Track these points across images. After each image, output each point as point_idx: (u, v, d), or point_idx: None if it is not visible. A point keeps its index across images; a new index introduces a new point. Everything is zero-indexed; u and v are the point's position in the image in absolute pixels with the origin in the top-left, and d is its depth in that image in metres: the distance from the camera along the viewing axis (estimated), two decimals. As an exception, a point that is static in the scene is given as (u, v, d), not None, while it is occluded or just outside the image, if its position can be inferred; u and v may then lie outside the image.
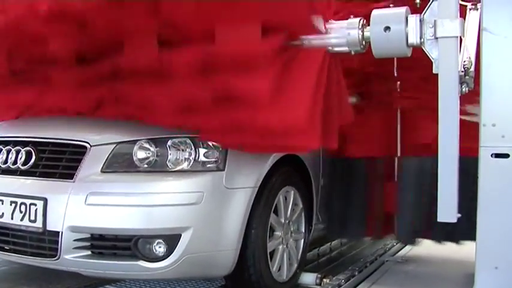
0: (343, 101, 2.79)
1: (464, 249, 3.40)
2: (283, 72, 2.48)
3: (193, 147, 2.69)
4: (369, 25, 2.53)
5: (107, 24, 2.65)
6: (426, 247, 3.86)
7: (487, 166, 2.29)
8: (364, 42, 2.55)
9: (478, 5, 2.75)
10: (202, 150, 2.70)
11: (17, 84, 3.15)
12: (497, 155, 2.27)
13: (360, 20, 2.57)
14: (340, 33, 2.56)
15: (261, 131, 2.51)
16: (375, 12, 2.53)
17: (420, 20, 2.41)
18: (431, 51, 2.39)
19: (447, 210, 2.34)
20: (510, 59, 2.25)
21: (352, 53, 2.61)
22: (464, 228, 2.74)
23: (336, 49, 2.59)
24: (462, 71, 2.44)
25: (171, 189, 2.60)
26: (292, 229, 3.20)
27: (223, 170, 2.69)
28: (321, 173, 3.53)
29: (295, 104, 2.45)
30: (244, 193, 2.75)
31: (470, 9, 2.89)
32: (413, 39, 2.42)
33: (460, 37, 2.42)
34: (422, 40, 2.41)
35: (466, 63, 2.50)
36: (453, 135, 2.33)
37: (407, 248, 4.26)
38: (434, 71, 2.37)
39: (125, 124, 2.87)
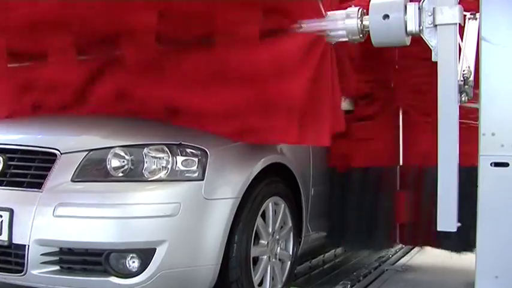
0: (337, 102, 2.80)
1: (465, 258, 3.35)
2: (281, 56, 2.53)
3: (170, 155, 2.53)
4: (368, 14, 2.53)
5: (107, 21, 2.70)
6: (426, 255, 3.86)
7: (486, 175, 2.29)
8: (363, 31, 2.56)
9: (477, 15, 2.73)
10: (180, 159, 2.54)
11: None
12: (497, 164, 2.28)
13: (359, 9, 2.57)
14: (340, 23, 2.57)
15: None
16: (374, 1, 2.53)
17: (419, 8, 2.41)
18: (430, 39, 2.39)
19: (447, 219, 2.33)
20: (509, 68, 2.25)
21: (355, 42, 2.63)
22: None
23: (336, 39, 2.60)
24: (461, 80, 2.43)
25: (145, 200, 2.43)
26: (279, 242, 3.01)
27: (203, 179, 2.52)
28: (311, 182, 3.36)
29: (319, 129, 2.56)
30: (225, 204, 2.57)
31: (469, 19, 2.91)
32: (412, 27, 2.42)
33: (459, 46, 2.44)
34: (421, 28, 2.41)
35: (465, 72, 2.50)
36: (453, 143, 2.32)
37: (408, 256, 4.22)
38: (433, 59, 2.36)
39: (98, 130, 2.73)
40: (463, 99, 2.42)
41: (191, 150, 2.55)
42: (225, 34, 2.61)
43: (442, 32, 2.34)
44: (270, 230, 2.91)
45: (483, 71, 2.30)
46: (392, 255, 4.30)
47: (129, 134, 2.64)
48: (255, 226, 2.75)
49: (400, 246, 4.27)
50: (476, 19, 2.82)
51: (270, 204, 2.90)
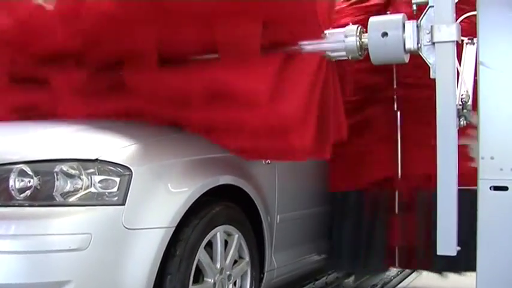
0: (339, 111, 2.80)
1: (465, 281, 3.23)
2: (280, 76, 2.51)
3: (84, 174, 2.06)
4: (366, 32, 2.59)
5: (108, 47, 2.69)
6: (427, 278, 3.74)
7: (486, 199, 2.28)
8: (362, 49, 2.62)
9: (475, 40, 2.76)
10: (97, 178, 2.07)
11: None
12: (496, 188, 2.27)
13: (358, 27, 2.63)
14: (339, 40, 2.62)
15: (257, 126, 2.53)
16: (373, 19, 2.60)
17: (417, 26, 2.46)
18: (429, 56, 2.42)
19: (447, 243, 2.34)
20: (507, 92, 2.28)
21: (350, 58, 2.68)
22: None
23: (335, 55, 2.65)
24: (460, 105, 2.45)
25: (46, 230, 1.95)
26: (231, 280, 2.50)
27: (123, 204, 2.05)
28: (276, 207, 2.86)
29: (290, 100, 2.48)
30: (153, 236, 2.09)
31: (466, 44, 2.98)
32: (411, 44, 2.47)
33: (458, 70, 2.48)
34: (419, 45, 2.46)
35: (463, 96, 2.52)
36: (452, 166, 2.33)
37: (409, 279, 4.18)
38: (431, 76, 2.38)
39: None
40: (461, 123, 2.42)
41: (111, 168, 2.09)
42: (227, 53, 2.57)
43: (440, 50, 2.37)
44: (218, 266, 2.41)
45: (481, 95, 2.30)
46: (393, 278, 4.17)
47: (38, 146, 2.18)
48: (195, 263, 2.26)
49: (400, 269, 4.17)
50: (473, 44, 2.88)
51: (218, 234, 2.41)
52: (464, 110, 2.46)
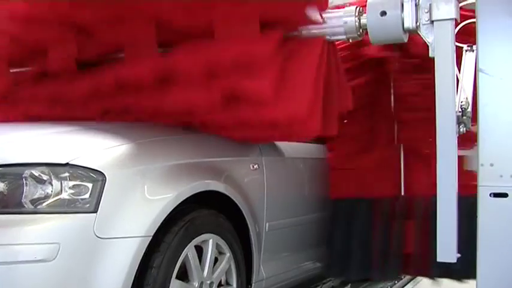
0: (343, 87, 2.82)
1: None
2: (284, 66, 2.52)
3: (54, 179, 1.93)
4: (365, 13, 2.61)
5: (107, 32, 2.64)
6: (427, 285, 3.68)
7: (485, 206, 2.28)
8: (361, 29, 2.63)
9: (474, 47, 2.83)
10: (68, 184, 1.94)
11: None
12: (496, 195, 2.27)
13: (357, 7, 2.64)
14: (338, 22, 2.64)
15: (266, 124, 2.55)
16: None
17: (415, 5, 2.48)
18: (428, 35, 2.44)
19: (447, 250, 2.36)
20: (506, 99, 2.29)
21: (350, 40, 2.74)
22: None
23: (334, 37, 2.67)
24: (459, 112, 2.47)
25: (8, 240, 1.83)
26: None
27: (95, 211, 1.93)
28: (265, 215, 2.73)
29: (297, 96, 2.49)
30: (128, 245, 1.96)
31: (466, 51, 3.02)
32: (409, 23, 2.49)
33: (457, 77, 2.51)
34: (418, 24, 2.47)
35: (463, 103, 2.56)
36: (451, 173, 2.35)
37: (411, 284, 4.16)
38: (430, 55, 2.40)
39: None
40: (461, 130, 2.43)
41: (83, 173, 1.96)
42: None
43: (438, 28, 2.39)
44: (196, 284, 2.26)
45: (481, 102, 2.30)
46: (395, 284, 4.10)
47: (6, 149, 2.06)
48: (175, 271, 2.13)
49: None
50: (473, 51, 2.94)
51: (190, 253, 2.24)
52: (464, 117, 2.46)
